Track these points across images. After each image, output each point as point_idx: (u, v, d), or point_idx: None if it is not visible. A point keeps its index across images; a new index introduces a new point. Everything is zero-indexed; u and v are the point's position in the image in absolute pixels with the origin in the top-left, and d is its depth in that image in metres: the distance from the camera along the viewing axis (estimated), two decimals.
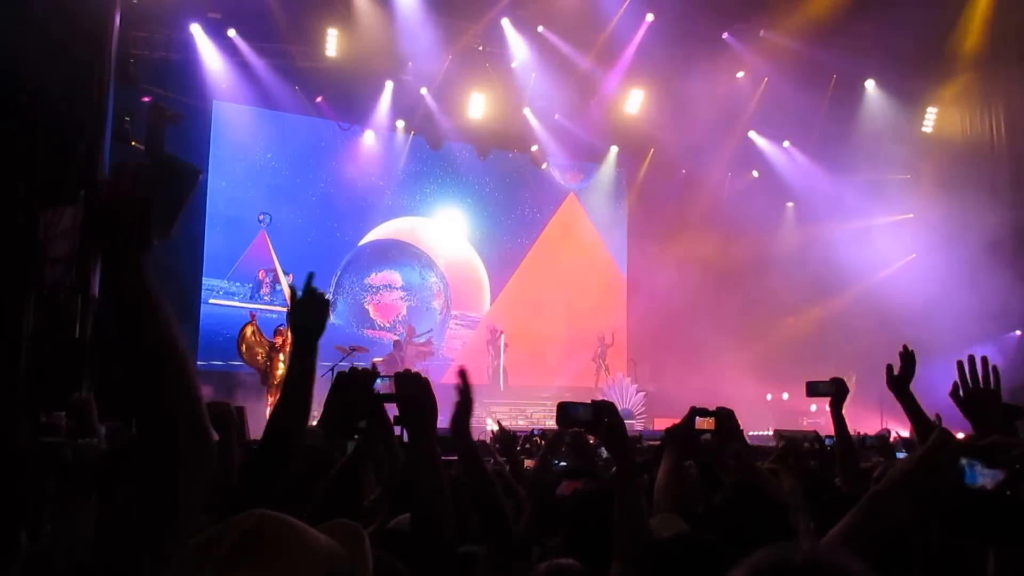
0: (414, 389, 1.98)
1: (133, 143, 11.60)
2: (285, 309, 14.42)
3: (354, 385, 2.17)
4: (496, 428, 11.69)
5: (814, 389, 3.47)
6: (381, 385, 2.24)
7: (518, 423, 13.31)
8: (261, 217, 14.36)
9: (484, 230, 16.44)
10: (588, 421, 2.24)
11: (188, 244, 12.81)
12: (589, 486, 2.87)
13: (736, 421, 3.03)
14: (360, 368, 2.22)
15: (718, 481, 3.14)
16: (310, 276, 2.02)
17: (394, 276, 15.89)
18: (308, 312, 2.02)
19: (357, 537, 1.18)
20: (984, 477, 1.24)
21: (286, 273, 14.52)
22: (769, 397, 14.88)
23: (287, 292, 13.34)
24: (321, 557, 1.08)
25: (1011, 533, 1.23)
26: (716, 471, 3.31)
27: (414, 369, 2.09)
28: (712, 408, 3.02)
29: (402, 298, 15.90)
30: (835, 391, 3.37)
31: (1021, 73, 13.15)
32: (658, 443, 5.00)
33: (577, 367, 16.65)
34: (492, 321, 16.25)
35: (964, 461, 1.26)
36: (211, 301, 13.87)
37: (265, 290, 14.39)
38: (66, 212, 9.62)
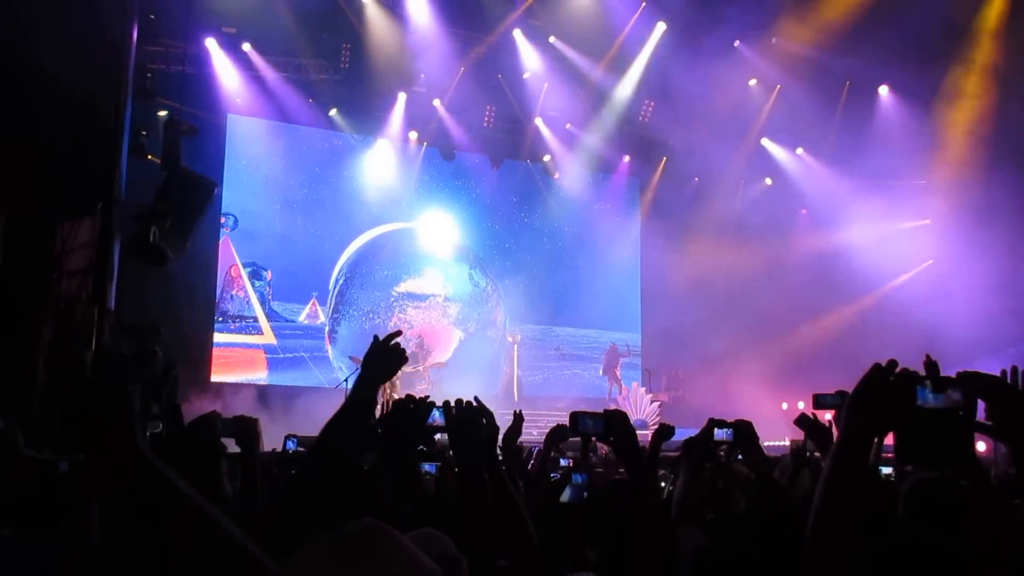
0: (467, 418, 2.09)
1: (149, 157, 11.74)
2: (257, 339, 14.03)
3: (411, 416, 2.20)
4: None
5: (821, 402, 3.46)
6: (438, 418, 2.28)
7: (532, 434, 13.27)
8: (223, 219, 13.98)
9: (497, 240, 16.46)
10: (600, 432, 2.25)
11: (203, 257, 12.92)
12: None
13: (754, 432, 3.03)
14: (418, 399, 2.26)
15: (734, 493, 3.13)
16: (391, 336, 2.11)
17: (433, 280, 15.71)
18: (383, 360, 2.10)
19: (457, 567, 1.19)
20: (933, 400, 1.45)
21: (264, 269, 14.41)
22: (785, 406, 14.78)
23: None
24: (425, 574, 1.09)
25: (956, 447, 1.46)
26: (733, 483, 3.29)
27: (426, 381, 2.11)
28: (730, 420, 3.01)
29: (453, 319, 15.75)
30: (841, 404, 3.35)
31: None
32: (674, 454, 4.99)
33: (591, 377, 16.63)
34: (504, 331, 16.23)
35: (917, 385, 1.46)
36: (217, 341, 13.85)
37: (238, 289, 14.22)
38: (83, 225, 9.68)
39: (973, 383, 1.47)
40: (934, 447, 1.46)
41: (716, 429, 2.96)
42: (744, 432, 2.96)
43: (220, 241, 13.97)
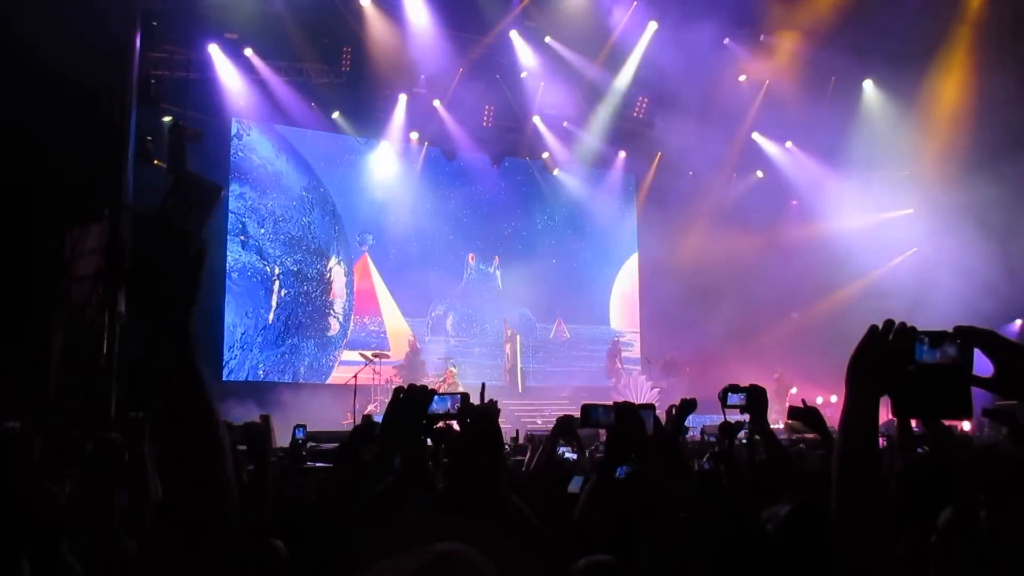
0: (479, 414, 2.21)
1: (156, 162, 11.95)
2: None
3: (411, 403, 2.17)
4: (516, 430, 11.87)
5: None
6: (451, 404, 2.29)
7: (537, 423, 13.54)
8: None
9: (498, 236, 16.71)
10: (609, 424, 2.46)
11: (209, 260, 13.06)
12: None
13: (766, 398, 3.24)
14: (419, 386, 2.23)
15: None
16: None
17: (436, 276, 15.97)
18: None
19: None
20: (930, 356, 1.44)
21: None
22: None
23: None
24: None
25: (955, 403, 1.44)
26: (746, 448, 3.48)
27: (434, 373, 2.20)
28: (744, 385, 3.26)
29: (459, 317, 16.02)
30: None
31: (1013, 65, 13.28)
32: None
33: (592, 367, 16.91)
34: (507, 324, 16.47)
35: (915, 341, 1.45)
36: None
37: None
38: (91, 231, 9.90)
39: (970, 336, 1.43)
40: (933, 399, 1.45)
41: (730, 393, 3.21)
42: (756, 396, 3.19)
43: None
